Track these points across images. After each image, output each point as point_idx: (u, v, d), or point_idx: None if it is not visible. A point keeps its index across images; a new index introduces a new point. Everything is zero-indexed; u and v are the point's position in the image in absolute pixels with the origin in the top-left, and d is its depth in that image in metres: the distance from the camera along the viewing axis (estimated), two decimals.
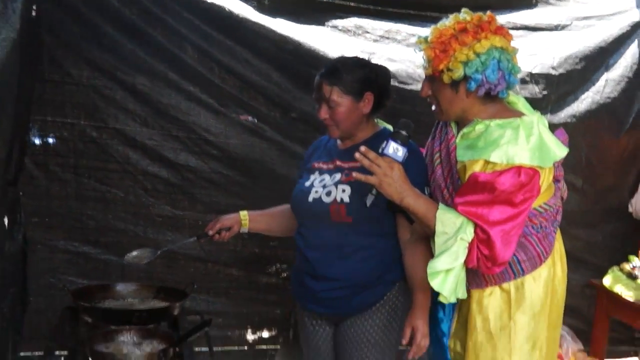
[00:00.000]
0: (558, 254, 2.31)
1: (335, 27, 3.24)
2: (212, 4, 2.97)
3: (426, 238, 2.20)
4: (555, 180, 2.26)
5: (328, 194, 2.27)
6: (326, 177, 2.33)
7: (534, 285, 2.22)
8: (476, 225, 2.03)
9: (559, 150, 2.09)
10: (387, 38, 3.33)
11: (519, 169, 1.99)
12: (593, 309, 3.85)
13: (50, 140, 2.99)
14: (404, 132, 2.04)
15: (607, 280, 3.65)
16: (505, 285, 2.21)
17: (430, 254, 2.17)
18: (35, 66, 2.87)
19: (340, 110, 2.25)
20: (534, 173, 2.02)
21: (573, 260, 3.70)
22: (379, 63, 2.46)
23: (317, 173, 2.37)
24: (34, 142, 2.97)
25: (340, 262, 2.28)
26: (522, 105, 2.23)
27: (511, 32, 3.28)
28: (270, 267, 3.39)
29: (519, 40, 3.33)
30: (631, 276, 3.58)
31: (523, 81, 3.45)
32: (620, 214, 3.88)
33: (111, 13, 2.91)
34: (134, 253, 2.56)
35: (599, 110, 3.64)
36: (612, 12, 3.71)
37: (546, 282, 2.24)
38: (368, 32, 3.31)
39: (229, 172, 3.20)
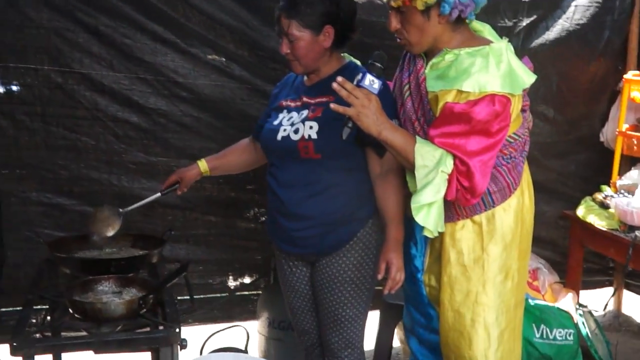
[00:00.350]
0: (526, 183, 2.33)
1: None
2: None
3: (397, 170, 2.20)
4: (522, 110, 2.26)
5: (296, 131, 2.26)
6: (294, 114, 2.31)
7: (504, 215, 2.23)
8: (455, 157, 2.02)
9: (527, 77, 2.09)
10: None
11: (492, 97, 1.98)
12: (568, 240, 3.91)
13: (15, 87, 2.90)
14: (378, 64, 2.02)
15: (580, 211, 3.69)
16: (476, 217, 2.22)
17: (402, 186, 2.19)
18: None
19: (299, 44, 2.22)
20: (506, 101, 2.01)
21: (546, 191, 3.80)
22: None
23: (285, 111, 2.36)
24: None
25: (311, 200, 2.28)
26: (487, 32, 2.22)
27: None
28: (248, 212, 3.38)
29: None
30: (603, 205, 3.62)
31: (494, 9, 3.44)
32: (591, 143, 3.92)
33: None
34: (98, 224, 2.53)
35: (569, 38, 3.64)
36: None
37: (516, 211, 2.25)
38: None
39: (199, 114, 3.15)
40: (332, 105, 2.00)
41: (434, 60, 2.13)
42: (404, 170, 2.16)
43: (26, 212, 3.02)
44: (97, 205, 2.66)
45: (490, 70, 1.99)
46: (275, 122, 2.34)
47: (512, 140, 2.20)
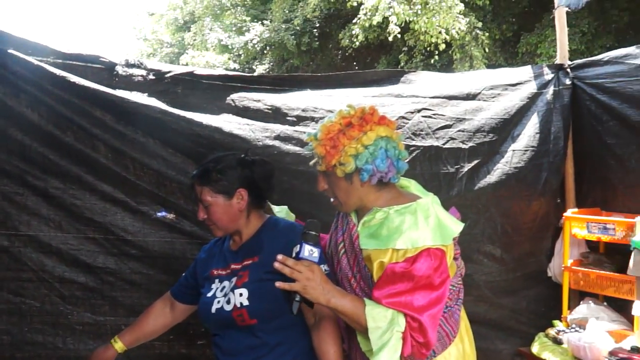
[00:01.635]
0: (464, 329, 2.37)
1: (247, 109, 3.23)
2: (124, 102, 2.94)
3: (331, 318, 2.21)
4: (454, 258, 2.33)
5: (228, 301, 2.27)
6: (226, 283, 2.34)
7: None
8: (406, 315, 2.05)
9: (456, 226, 2.17)
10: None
11: (428, 251, 2.05)
12: None
13: None
14: (313, 233, 2.07)
15: (534, 348, 3.71)
16: None
17: (338, 336, 2.21)
18: None
19: (214, 209, 2.30)
20: (441, 253, 2.08)
21: (501, 329, 3.83)
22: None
23: (217, 281, 2.38)
24: None
25: None
26: (414, 188, 2.33)
27: (423, 100, 3.47)
28: None
29: (434, 109, 3.51)
30: (556, 341, 3.65)
31: (437, 156, 3.58)
32: (540, 279, 3.99)
33: (17, 116, 2.86)
34: None
35: (509, 180, 3.77)
36: (513, 82, 3.91)
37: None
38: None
39: (149, 271, 3.12)
40: (277, 284, 2.02)
41: (365, 218, 2.21)
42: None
43: None
44: None
45: (420, 226, 2.08)
46: (209, 295, 2.35)
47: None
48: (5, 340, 2.93)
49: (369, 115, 2.18)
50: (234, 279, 2.29)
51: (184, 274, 2.61)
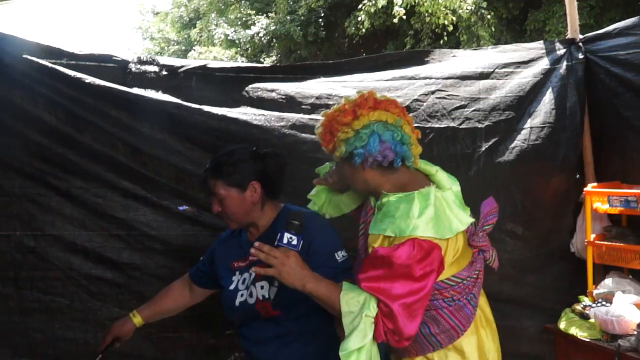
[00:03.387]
0: (484, 321, 2.35)
1: (261, 100, 3.25)
2: (138, 99, 2.98)
3: None
4: (480, 250, 2.32)
5: (250, 294, 2.31)
6: (246, 275, 2.37)
7: (457, 357, 2.27)
8: (379, 300, 2.04)
9: (462, 222, 2.14)
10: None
11: (413, 241, 2.02)
12: (554, 354, 3.87)
13: None
14: (296, 222, 2.11)
15: (561, 324, 3.69)
16: (429, 355, 2.27)
17: None
18: None
19: (227, 202, 2.32)
20: (429, 246, 2.03)
21: (527, 306, 3.82)
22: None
23: (237, 273, 2.41)
24: None
25: (287, 350, 2.29)
26: (440, 175, 2.28)
27: (437, 81, 3.48)
28: (228, 358, 3.29)
29: (448, 90, 3.49)
30: (583, 316, 3.63)
31: (454, 137, 3.57)
32: (563, 255, 3.95)
33: (35, 120, 2.90)
34: None
35: (527, 157, 3.74)
36: (526, 58, 3.88)
37: (473, 353, 2.28)
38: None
39: (174, 264, 3.14)
40: (254, 269, 2.10)
41: (378, 203, 2.21)
42: None
43: None
44: None
45: (412, 215, 2.04)
46: (231, 287, 2.39)
47: (452, 284, 2.21)
48: (38, 337, 2.99)
49: (363, 100, 2.18)
50: (252, 269, 2.30)
51: (201, 259, 2.64)
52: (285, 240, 2.08)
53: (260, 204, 2.36)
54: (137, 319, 2.60)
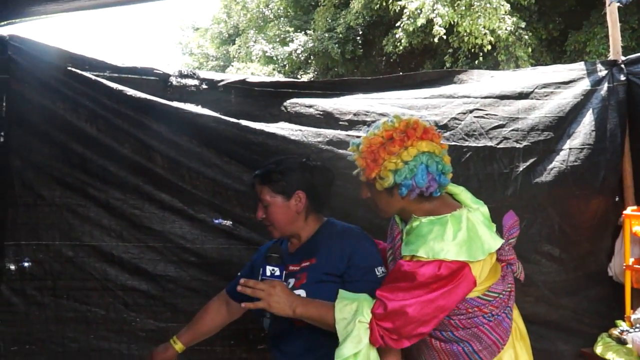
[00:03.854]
0: (518, 335, 2.34)
1: (299, 115, 3.26)
2: (178, 112, 3.00)
3: None
4: (508, 264, 2.30)
5: None
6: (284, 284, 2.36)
7: None
8: (375, 303, 2.07)
9: (494, 242, 2.14)
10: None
11: (440, 262, 2.03)
12: None
13: (26, 264, 2.95)
14: (275, 255, 2.21)
15: (598, 348, 3.63)
16: None
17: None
18: (7, 191, 2.88)
19: (272, 209, 2.34)
20: (457, 267, 2.04)
21: (562, 330, 3.76)
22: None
23: None
24: (9, 267, 2.93)
25: None
26: (463, 195, 2.29)
27: (477, 100, 3.46)
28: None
29: (486, 109, 3.47)
30: (620, 341, 3.57)
31: (491, 156, 3.55)
32: (601, 279, 3.90)
33: (77, 131, 2.94)
34: None
35: (566, 179, 3.70)
36: (566, 79, 3.84)
37: None
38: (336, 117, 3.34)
39: (208, 277, 3.16)
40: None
41: (406, 227, 2.21)
42: None
43: None
44: None
45: (445, 238, 2.06)
46: None
47: (490, 299, 2.21)
48: (74, 347, 3.02)
49: (411, 130, 2.16)
50: (292, 281, 2.32)
51: (239, 273, 2.63)
52: (268, 273, 2.19)
53: (304, 215, 2.38)
54: (178, 346, 2.58)
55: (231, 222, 3.18)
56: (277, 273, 2.19)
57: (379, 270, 2.28)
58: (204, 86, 3.13)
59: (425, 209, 2.19)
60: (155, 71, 3.08)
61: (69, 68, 2.88)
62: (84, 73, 2.91)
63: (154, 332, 3.11)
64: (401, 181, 2.13)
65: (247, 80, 3.24)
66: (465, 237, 2.07)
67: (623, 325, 3.69)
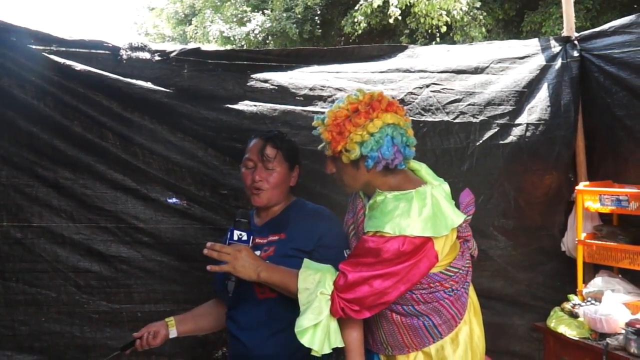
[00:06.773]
0: (473, 311, 2.37)
1: (254, 90, 3.20)
2: (130, 88, 2.93)
3: None
4: (465, 240, 2.33)
5: None
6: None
7: (452, 347, 2.27)
8: (337, 276, 2.10)
9: (456, 218, 2.16)
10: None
11: (404, 238, 2.05)
12: (543, 353, 3.86)
13: None
14: (244, 220, 2.24)
15: (551, 322, 3.68)
16: (426, 349, 2.27)
17: (361, 320, 2.22)
18: None
19: (275, 175, 2.38)
20: (420, 242, 2.06)
21: (518, 305, 3.82)
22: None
23: None
24: None
25: (273, 340, 2.30)
26: (424, 171, 2.32)
27: (433, 74, 3.46)
28: (217, 352, 3.29)
29: (443, 84, 3.49)
30: (572, 315, 3.63)
31: (448, 131, 3.55)
32: (554, 254, 3.96)
33: (23, 108, 2.84)
34: None
35: (521, 154, 3.74)
36: (521, 54, 3.87)
37: (465, 341, 2.30)
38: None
39: (162, 258, 3.11)
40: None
41: (370, 202, 2.23)
42: None
43: None
44: None
45: (411, 215, 2.07)
46: None
47: (451, 274, 2.24)
48: (24, 330, 2.94)
49: (376, 102, 2.17)
50: (258, 253, 2.32)
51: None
52: (235, 237, 2.21)
53: (290, 189, 2.47)
54: (169, 320, 2.53)
55: (185, 201, 3.12)
56: (245, 238, 2.21)
57: (346, 253, 2.31)
58: (157, 57, 3.04)
59: (390, 183, 2.20)
60: (104, 44, 2.98)
61: (13, 40, 2.77)
62: (30, 47, 2.81)
63: (107, 313, 3.05)
64: (367, 153, 2.13)
65: (202, 49, 3.15)
66: (430, 213, 2.08)
67: (575, 299, 3.75)
